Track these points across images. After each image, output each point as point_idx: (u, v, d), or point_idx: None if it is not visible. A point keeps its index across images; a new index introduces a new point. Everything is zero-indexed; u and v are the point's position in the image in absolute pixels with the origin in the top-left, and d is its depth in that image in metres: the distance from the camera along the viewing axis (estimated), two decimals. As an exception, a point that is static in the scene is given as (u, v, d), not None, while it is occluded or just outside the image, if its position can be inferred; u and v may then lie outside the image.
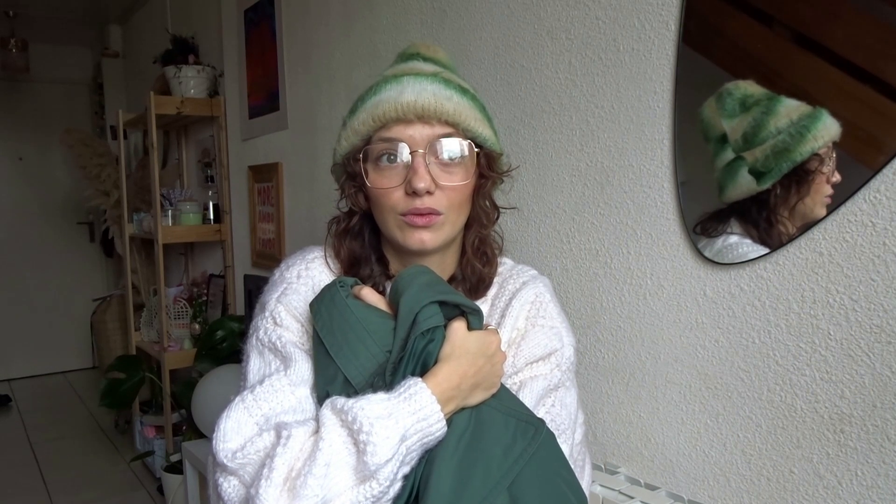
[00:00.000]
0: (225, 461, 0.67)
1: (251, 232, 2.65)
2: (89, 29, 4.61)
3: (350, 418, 0.63)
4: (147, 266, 3.37)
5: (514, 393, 0.78)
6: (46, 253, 4.81)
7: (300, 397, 0.72)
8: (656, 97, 1.12)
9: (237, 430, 0.68)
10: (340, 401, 0.65)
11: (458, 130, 0.80)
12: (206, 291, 3.00)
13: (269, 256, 2.51)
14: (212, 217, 2.87)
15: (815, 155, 0.90)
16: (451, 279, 0.88)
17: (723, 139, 1.00)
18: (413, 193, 0.78)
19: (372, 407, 0.64)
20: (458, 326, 0.73)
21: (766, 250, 0.98)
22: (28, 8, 4.02)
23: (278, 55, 2.32)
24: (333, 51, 2.03)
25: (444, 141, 0.79)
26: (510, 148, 1.41)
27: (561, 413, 0.80)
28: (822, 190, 0.90)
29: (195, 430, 2.39)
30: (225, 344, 2.54)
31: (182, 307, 2.96)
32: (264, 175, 2.50)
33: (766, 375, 1.00)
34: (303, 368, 0.74)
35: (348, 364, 0.70)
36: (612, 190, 1.21)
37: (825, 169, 0.89)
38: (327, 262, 0.88)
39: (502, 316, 0.86)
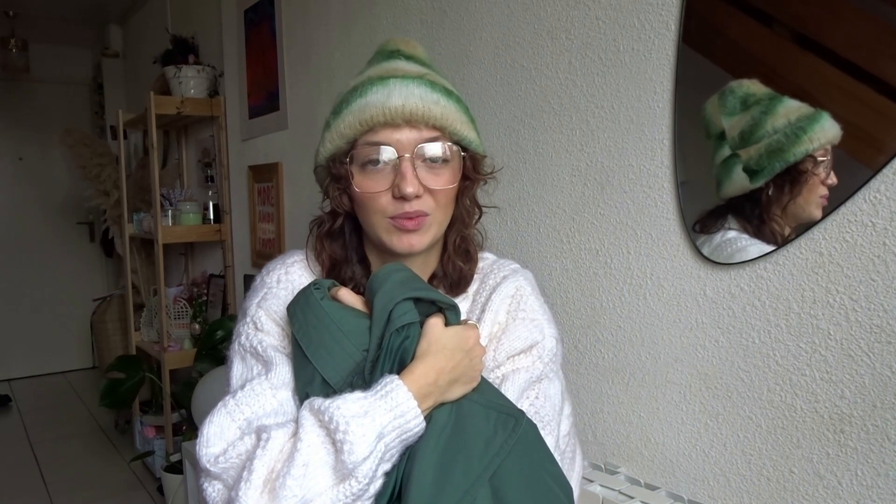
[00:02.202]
0: (208, 466, 0.67)
1: (251, 232, 2.65)
2: (89, 29, 4.61)
3: (327, 418, 0.64)
4: (147, 266, 3.37)
5: (496, 387, 0.79)
6: (46, 253, 4.81)
7: (281, 400, 0.73)
8: (656, 97, 1.12)
9: (219, 435, 0.69)
10: (318, 401, 0.66)
11: (445, 134, 0.80)
12: (206, 291, 3.00)
13: (269, 256, 2.49)
14: (212, 217, 2.87)
15: (810, 156, 0.90)
16: (433, 277, 0.88)
17: (721, 136, 1.01)
18: (401, 198, 0.78)
19: (348, 406, 0.64)
20: (435, 322, 0.73)
21: (765, 246, 0.98)
22: (28, 8, 4.02)
23: (278, 55, 2.32)
24: (333, 51, 2.03)
25: (432, 145, 0.79)
26: (510, 148, 1.41)
27: (545, 405, 0.79)
28: (817, 191, 0.90)
29: (195, 430, 2.39)
30: (225, 344, 2.54)
31: (182, 307, 2.96)
32: (264, 175, 2.50)
33: (766, 375, 1.00)
34: (283, 372, 0.75)
35: (325, 365, 0.70)
36: (612, 190, 1.21)
37: (819, 171, 0.89)
38: (308, 265, 0.89)
39: (483, 311, 0.86)
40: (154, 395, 3.15)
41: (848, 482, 0.91)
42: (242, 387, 0.74)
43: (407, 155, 0.78)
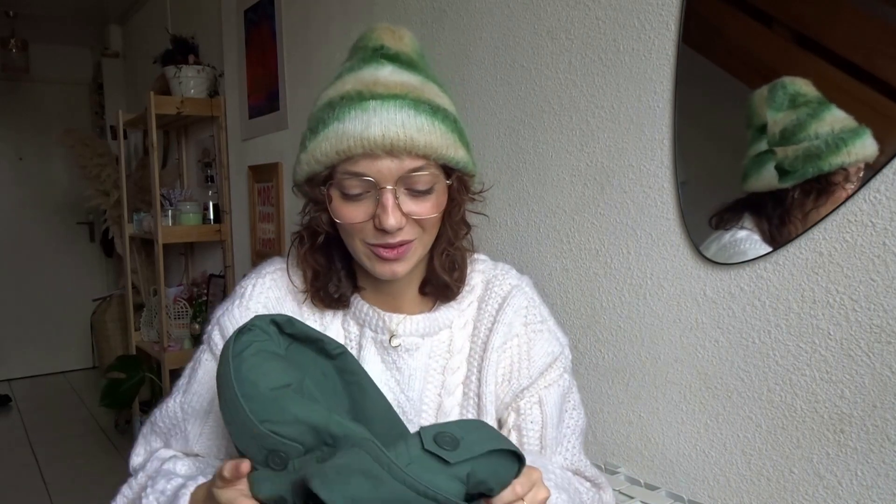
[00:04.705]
0: (132, 472, 0.85)
1: (251, 232, 2.65)
2: (89, 29, 4.60)
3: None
4: (147, 266, 3.37)
5: (535, 404, 0.84)
6: (46, 253, 4.81)
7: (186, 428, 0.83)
8: (656, 97, 1.12)
9: (143, 445, 0.88)
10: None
11: (430, 160, 0.76)
12: (206, 291, 3.00)
13: (269, 256, 2.50)
14: (212, 217, 2.87)
15: (843, 169, 0.89)
16: (425, 283, 0.87)
17: (762, 129, 0.99)
18: (383, 229, 0.75)
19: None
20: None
21: (770, 249, 0.98)
22: (28, 8, 4.02)
23: (278, 55, 2.32)
24: (333, 51, 2.03)
25: (415, 176, 0.75)
26: (510, 148, 1.41)
27: (579, 415, 0.89)
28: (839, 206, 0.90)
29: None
30: (225, 344, 2.53)
31: (182, 307, 2.96)
32: (264, 175, 2.50)
33: (766, 375, 1.00)
34: (199, 399, 0.83)
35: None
36: (612, 190, 1.21)
37: (848, 186, 0.89)
38: (288, 275, 0.88)
39: (494, 321, 0.86)
40: (154, 395, 3.15)
41: (848, 482, 0.91)
42: (175, 396, 0.85)
43: (389, 186, 0.74)
